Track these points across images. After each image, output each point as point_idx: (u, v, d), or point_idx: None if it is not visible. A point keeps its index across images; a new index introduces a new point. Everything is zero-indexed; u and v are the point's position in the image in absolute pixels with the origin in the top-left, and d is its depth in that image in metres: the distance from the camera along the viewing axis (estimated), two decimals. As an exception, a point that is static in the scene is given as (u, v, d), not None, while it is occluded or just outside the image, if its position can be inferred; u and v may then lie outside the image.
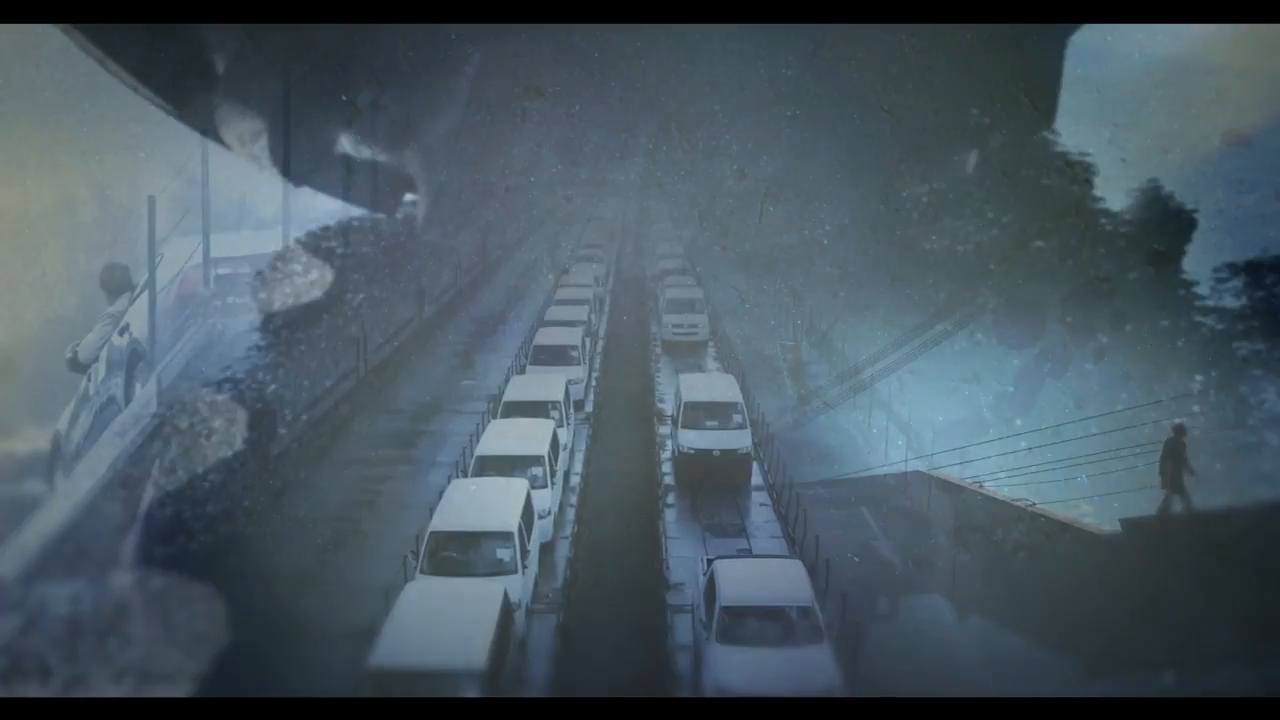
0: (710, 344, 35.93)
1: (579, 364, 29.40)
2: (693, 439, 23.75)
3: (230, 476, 20.20)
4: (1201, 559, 16.34)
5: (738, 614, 15.14)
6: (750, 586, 15.82)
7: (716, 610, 15.20)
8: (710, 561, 17.05)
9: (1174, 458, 17.85)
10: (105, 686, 13.89)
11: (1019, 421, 23.89)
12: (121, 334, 25.32)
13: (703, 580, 16.67)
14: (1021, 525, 19.27)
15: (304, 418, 25.13)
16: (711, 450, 23.52)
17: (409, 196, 34.08)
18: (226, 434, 20.97)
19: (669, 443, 25.47)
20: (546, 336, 30.96)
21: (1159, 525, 17.97)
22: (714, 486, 23.15)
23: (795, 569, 16.64)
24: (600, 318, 39.32)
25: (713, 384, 26.93)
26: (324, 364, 27.60)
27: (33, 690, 13.54)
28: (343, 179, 30.34)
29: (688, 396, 24.75)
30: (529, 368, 29.22)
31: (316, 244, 28.91)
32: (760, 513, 22.56)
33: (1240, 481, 20.21)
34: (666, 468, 24.64)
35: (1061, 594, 17.22)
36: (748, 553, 20.02)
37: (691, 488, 23.25)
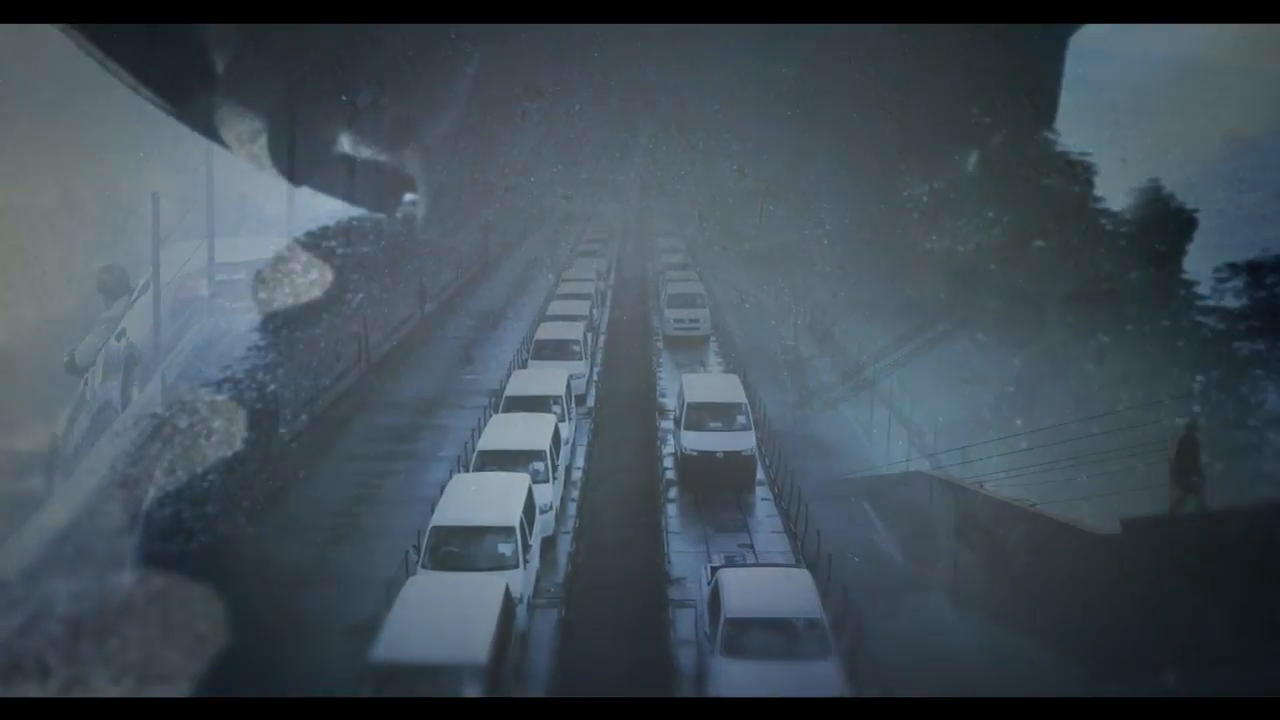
0: (712, 339, 35.95)
1: (581, 359, 29.40)
2: (696, 440, 23.65)
3: (231, 475, 20.20)
4: (1202, 559, 16.26)
5: (743, 626, 14.78)
6: (756, 597, 15.47)
7: (721, 622, 14.87)
8: (715, 570, 16.70)
9: (1180, 458, 17.67)
10: (105, 686, 13.87)
11: (1019, 421, 23.82)
12: (118, 339, 25.35)
13: (706, 589, 16.34)
14: (1021, 525, 19.18)
15: (304, 416, 25.14)
16: (715, 452, 23.41)
17: (409, 196, 34.04)
18: (227, 433, 20.96)
19: (670, 438, 25.45)
20: (548, 331, 30.93)
21: (1159, 526, 17.88)
22: (717, 488, 23.13)
23: (802, 578, 16.25)
24: (602, 312, 39.34)
25: (716, 385, 26.81)
26: (325, 362, 27.62)
27: (33, 690, 13.52)
28: (343, 179, 30.30)
29: (691, 397, 24.61)
30: (531, 362, 29.21)
31: (317, 243, 28.90)
32: (762, 507, 22.57)
33: (1240, 481, 20.13)
34: (668, 463, 24.64)
35: (1061, 594, 17.16)
36: (749, 548, 20.01)
37: (694, 488, 23.25)
